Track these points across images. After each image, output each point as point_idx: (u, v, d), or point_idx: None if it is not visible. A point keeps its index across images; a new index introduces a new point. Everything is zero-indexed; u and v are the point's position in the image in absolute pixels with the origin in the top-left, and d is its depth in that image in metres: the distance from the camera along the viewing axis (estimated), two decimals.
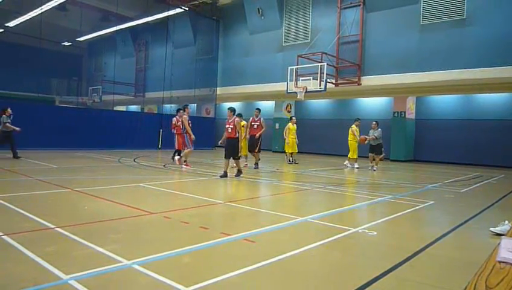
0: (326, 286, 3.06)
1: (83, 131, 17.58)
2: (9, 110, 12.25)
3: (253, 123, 12.58)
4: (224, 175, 9.44)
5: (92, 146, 17.54)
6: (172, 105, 24.28)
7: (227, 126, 9.67)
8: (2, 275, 2.92)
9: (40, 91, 20.67)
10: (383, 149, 13.60)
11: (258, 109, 13.00)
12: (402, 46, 15.57)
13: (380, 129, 13.32)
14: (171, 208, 5.65)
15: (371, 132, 13.41)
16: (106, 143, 18.06)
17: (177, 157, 12.35)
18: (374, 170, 13.04)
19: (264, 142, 22.46)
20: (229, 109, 9.88)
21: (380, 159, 13.37)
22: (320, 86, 14.72)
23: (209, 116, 25.34)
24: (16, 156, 12.05)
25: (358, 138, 13.70)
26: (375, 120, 13.83)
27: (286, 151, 14.94)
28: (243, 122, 11.44)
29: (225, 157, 9.63)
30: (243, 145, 11.18)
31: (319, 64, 14.88)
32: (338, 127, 20.67)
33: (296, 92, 15.55)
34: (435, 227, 5.49)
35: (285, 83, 16.08)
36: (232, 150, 9.52)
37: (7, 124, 11.89)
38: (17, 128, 11.98)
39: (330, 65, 15.97)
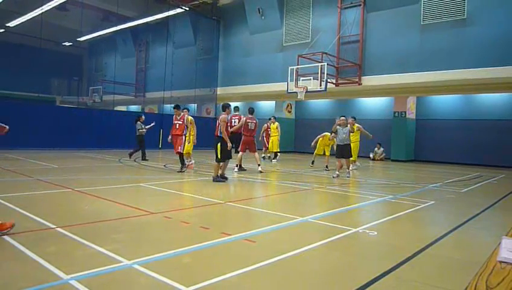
0: (327, 286, 3.06)
1: (84, 131, 17.60)
2: (142, 117, 13.83)
3: (234, 118, 11.94)
4: (219, 179, 8.81)
5: (93, 146, 17.56)
6: (173, 105, 24.26)
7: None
8: (2, 275, 2.92)
9: (41, 91, 20.67)
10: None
11: (237, 107, 12.77)
12: (402, 46, 15.56)
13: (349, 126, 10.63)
14: (172, 208, 5.65)
15: (340, 129, 10.53)
16: (107, 143, 18.07)
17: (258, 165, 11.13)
18: (348, 177, 10.56)
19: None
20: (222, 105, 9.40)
21: (381, 159, 12.89)
22: (320, 86, 14.71)
23: (209, 116, 25.36)
24: (144, 158, 13.37)
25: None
26: (343, 115, 10.99)
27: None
28: (190, 118, 10.85)
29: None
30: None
31: (320, 64, 14.88)
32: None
33: (296, 92, 15.55)
34: (435, 227, 5.49)
35: (286, 83, 16.07)
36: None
37: (140, 130, 13.40)
38: (144, 130, 13.53)
39: (330, 65, 15.97)
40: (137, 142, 13.45)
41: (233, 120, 11.94)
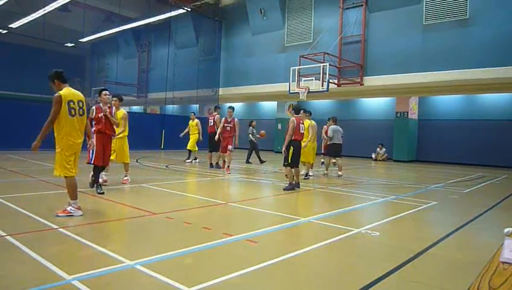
0: (329, 286, 3.05)
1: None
2: (254, 122, 15.01)
3: (210, 118, 12.24)
4: (291, 187, 8.01)
5: None
6: (175, 105, 24.32)
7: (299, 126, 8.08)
8: (5, 276, 2.93)
9: (44, 92, 20.65)
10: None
11: (216, 107, 12.88)
12: (404, 46, 15.53)
13: (333, 127, 11.30)
14: (174, 208, 5.65)
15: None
16: None
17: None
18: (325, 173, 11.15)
19: (266, 142, 22.45)
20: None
21: (383, 160, 12.88)
22: (322, 86, 14.70)
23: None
24: (261, 161, 14.22)
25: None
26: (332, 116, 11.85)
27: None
28: (122, 112, 8.04)
29: (292, 166, 8.10)
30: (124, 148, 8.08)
31: (321, 64, 14.86)
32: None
33: (298, 93, 15.55)
34: (437, 228, 5.47)
35: (288, 83, 16.07)
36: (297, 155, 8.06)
37: (251, 135, 14.46)
38: (257, 136, 14.23)
39: (332, 65, 15.96)
40: (250, 146, 14.56)
41: (210, 120, 12.16)
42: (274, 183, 9.43)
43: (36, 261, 3.20)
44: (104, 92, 6.92)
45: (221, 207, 6.07)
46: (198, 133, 13.46)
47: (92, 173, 6.74)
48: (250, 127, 14.73)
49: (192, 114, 14.39)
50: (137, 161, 13.20)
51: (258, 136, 14.24)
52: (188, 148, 13.67)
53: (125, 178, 8.11)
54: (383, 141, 19.22)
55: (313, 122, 10.04)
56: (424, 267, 3.53)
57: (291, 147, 7.97)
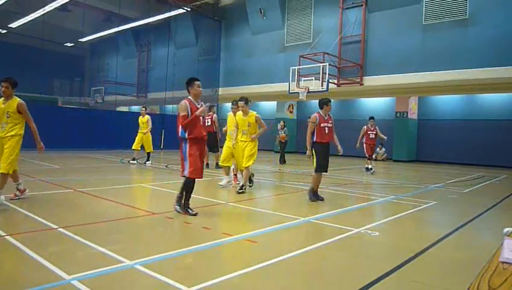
0: (329, 286, 3.05)
1: (86, 131, 17.65)
2: (282, 122, 15.74)
3: (207, 118, 11.27)
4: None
5: (95, 146, 17.59)
6: (175, 105, 24.31)
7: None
8: (5, 275, 2.93)
9: (43, 92, 20.67)
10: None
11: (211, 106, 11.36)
12: (404, 46, 15.54)
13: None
14: (173, 208, 5.64)
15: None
16: (108, 143, 18.11)
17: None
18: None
19: (266, 142, 22.47)
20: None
21: (383, 159, 12.81)
22: (322, 86, 14.71)
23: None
24: (283, 161, 14.89)
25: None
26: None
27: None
28: (17, 101, 5.62)
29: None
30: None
31: (321, 64, 14.87)
32: (340, 127, 20.64)
33: (298, 93, 15.55)
34: (437, 227, 5.47)
35: (287, 83, 16.07)
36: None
37: (280, 135, 15.20)
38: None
39: (332, 65, 15.96)
40: (281, 146, 15.19)
41: (206, 120, 11.64)
42: (274, 183, 9.44)
43: (35, 261, 3.20)
44: (197, 83, 5.16)
45: (221, 207, 6.07)
46: (148, 131, 12.00)
47: (183, 187, 5.32)
48: (278, 126, 15.59)
49: (143, 109, 12.28)
50: (137, 161, 13.19)
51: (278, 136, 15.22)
52: (146, 151, 12.21)
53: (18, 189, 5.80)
54: (382, 141, 19.23)
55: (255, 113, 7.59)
56: (424, 267, 3.54)
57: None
